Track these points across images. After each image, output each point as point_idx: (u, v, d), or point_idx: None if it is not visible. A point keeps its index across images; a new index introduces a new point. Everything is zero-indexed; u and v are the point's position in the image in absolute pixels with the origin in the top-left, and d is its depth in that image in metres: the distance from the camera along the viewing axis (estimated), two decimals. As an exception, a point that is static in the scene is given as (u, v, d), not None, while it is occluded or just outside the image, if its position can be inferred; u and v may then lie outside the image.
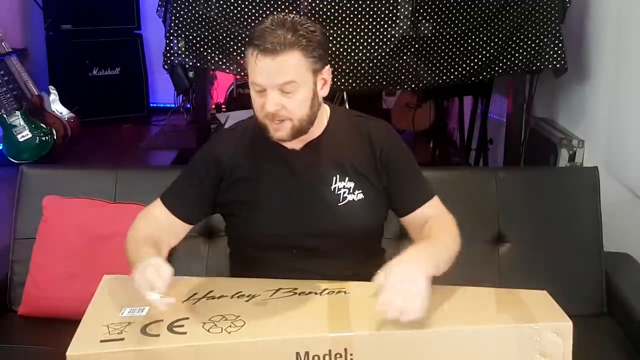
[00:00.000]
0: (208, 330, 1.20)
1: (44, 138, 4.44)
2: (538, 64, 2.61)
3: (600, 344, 1.74)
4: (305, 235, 1.45)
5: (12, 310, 1.87)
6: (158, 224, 1.47)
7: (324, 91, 1.42)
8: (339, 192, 1.44)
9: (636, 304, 1.76)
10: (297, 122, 1.37)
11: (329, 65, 1.41)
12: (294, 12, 2.62)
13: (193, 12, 2.68)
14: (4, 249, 1.93)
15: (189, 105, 5.46)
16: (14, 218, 1.94)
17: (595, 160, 2.43)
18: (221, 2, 2.65)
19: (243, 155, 1.48)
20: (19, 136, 4.41)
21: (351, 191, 1.44)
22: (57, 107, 4.75)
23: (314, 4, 2.60)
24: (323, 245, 1.46)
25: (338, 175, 1.45)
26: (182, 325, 1.22)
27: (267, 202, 1.46)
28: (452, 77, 2.70)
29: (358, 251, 1.49)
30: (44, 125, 4.47)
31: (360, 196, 1.44)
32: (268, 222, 1.47)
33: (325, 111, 1.48)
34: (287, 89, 1.32)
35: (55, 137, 4.47)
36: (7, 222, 1.97)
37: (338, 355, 1.18)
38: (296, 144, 1.45)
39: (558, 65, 2.58)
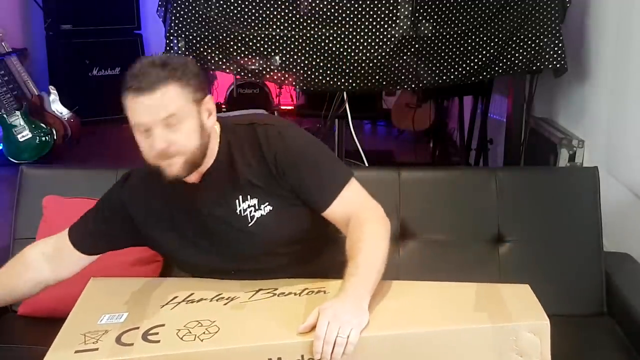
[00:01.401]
0: (181, 338, 1.20)
1: (44, 138, 4.44)
2: (538, 64, 2.61)
3: (600, 344, 1.74)
4: (231, 261, 1.45)
5: (12, 310, 1.87)
6: (40, 260, 1.52)
7: (211, 121, 1.39)
8: (245, 214, 1.41)
9: (636, 304, 1.76)
10: (189, 155, 1.34)
11: (210, 95, 1.39)
12: (294, 12, 2.62)
13: (193, 12, 2.68)
14: (4, 249, 1.93)
15: (189, 105, 5.46)
16: (14, 218, 1.94)
17: (595, 160, 2.43)
18: (221, 2, 2.66)
19: (152, 197, 1.47)
20: (19, 136, 4.41)
21: (257, 207, 1.41)
22: (57, 107, 4.76)
23: (314, 4, 2.61)
24: (254, 265, 1.45)
25: (240, 197, 1.41)
26: (157, 333, 1.22)
27: (184, 239, 1.46)
28: (452, 77, 2.70)
29: (294, 257, 1.47)
30: (44, 125, 4.47)
31: (269, 208, 1.41)
32: (190, 258, 1.48)
33: (215, 135, 1.44)
34: (172, 121, 1.30)
35: (55, 137, 4.48)
36: (7, 222, 1.97)
37: None
38: (194, 178, 1.42)
39: (558, 65, 2.57)
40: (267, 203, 1.41)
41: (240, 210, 1.41)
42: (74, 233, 1.53)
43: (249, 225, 1.41)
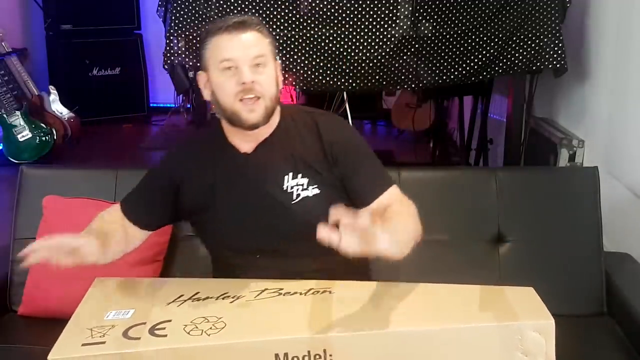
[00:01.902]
0: (188, 333, 1.21)
1: (44, 138, 4.44)
2: (538, 64, 2.61)
3: (600, 344, 1.74)
4: (264, 237, 1.46)
5: (12, 310, 1.87)
6: (117, 224, 1.50)
7: (280, 83, 1.44)
8: (291, 190, 1.43)
9: (636, 304, 1.76)
10: (268, 102, 1.39)
11: (279, 61, 1.46)
12: (294, 12, 2.63)
13: (193, 12, 2.68)
14: (4, 248, 1.93)
15: (189, 105, 5.46)
16: (14, 218, 1.94)
17: (595, 160, 2.43)
18: (221, 2, 2.66)
19: (196, 165, 1.49)
20: (19, 136, 4.41)
21: (305, 187, 1.44)
22: (57, 107, 4.76)
23: (314, 4, 2.61)
24: (285, 245, 1.46)
25: (291, 173, 1.44)
26: (164, 328, 1.23)
27: (223, 208, 1.47)
28: (452, 77, 2.70)
29: (325, 247, 1.48)
30: (44, 125, 4.47)
31: (316, 191, 1.44)
32: (226, 229, 1.48)
33: (277, 106, 1.48)
34: (259, 61, 1.37)
35: (55, 137, 4.48)
36: (7, 222, 1.97)
37: (317, 356, 1.17)
38: (249, 145, 1.46)
39: (558, 65, 2.57)
40: (315, 186, 1.44)
41: (287, 187, 1.44)
42: (127, 209, 1.53)
43: (293, 202, 1.43)
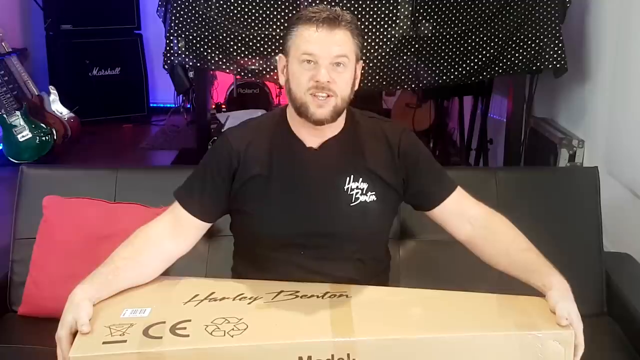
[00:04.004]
0: (211, 333, 1.20)
1: (44, 138, 4.44)
2: (538, 64, 2.61)
3: (600, 344, 1.74)
4: (314, 235, 1.45)
5: (12, 310, 1.87)
6: (158, 237, 1.45)
7: (356, 85, 1.44)
8: (351, 193, 1.44)
9: (636, 304, 1.76)
10: (339, 101, 1.38)
11: (362, 62, 1.45)
12: (294, 12, 2.63)
13: (193, 12, 2.68)
14: (4, 249, 1.93)
15: (189, 105, 5.47)
16: (14, 218, 1.94)
17: (595, 160, 2.44)
18: (221, 2, 2.66)
19: (257, 152, 1.47)
20: (19, 136, 4.41)
21: (364, 192, 1.44)
22: (57, 107, 4.76)
23: (313, 4, 2.60)
24: (331, 246, 1.45)
25: (352, 176, 1.44)
26: (185, 328, 1.21)
27: (278, 200, 1.45)
28: (452, 77, 2.70)
29: (365, 254, 1.49)
30: (44, 125, 4.47)
31: (372, 198, 1.44)
32: (277, 221, 1.46)
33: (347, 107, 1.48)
34: (340, 61, 1.36)
35: (55, 137, 4.48)
36: (7, 222, 1.97)
37: None
38: (315, 141, 1.45)
39: (558, 66, 2.58)
40: (373, 193, 1.45)
41: (347, 188, 1.44)
42: (186, 202, 1.48)
43: (351, 205, 1.43)
